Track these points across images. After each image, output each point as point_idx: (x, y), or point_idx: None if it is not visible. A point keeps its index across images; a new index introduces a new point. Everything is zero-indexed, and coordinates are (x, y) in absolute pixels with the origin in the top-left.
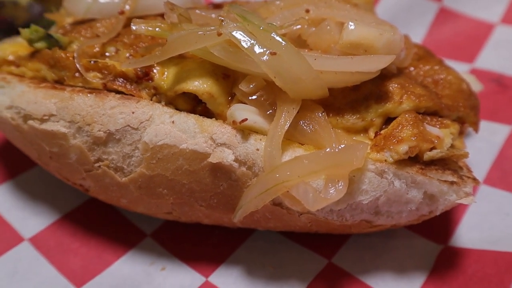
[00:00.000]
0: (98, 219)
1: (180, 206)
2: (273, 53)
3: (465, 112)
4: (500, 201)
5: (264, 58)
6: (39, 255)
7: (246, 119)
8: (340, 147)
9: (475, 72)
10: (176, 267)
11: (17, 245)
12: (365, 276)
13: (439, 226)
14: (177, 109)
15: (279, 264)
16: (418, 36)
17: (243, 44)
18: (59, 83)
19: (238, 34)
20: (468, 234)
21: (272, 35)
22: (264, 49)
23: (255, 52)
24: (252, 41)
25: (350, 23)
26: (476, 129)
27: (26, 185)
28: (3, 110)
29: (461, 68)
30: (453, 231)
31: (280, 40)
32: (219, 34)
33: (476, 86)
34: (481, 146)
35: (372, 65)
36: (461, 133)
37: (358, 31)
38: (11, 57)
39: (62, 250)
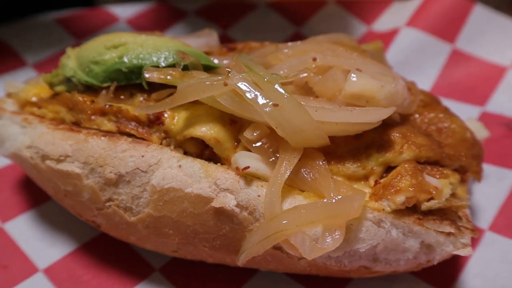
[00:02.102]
0: (110, 253)
1: (185, 245)
2: (275, 105)
3: (467, 161)
4: (505, 249)
5: (267, 109)
6: (51, 286)
7: (249, 167)
8: (337, 198)
9: (485, 115)
10: None
11: (31, 275)
12: None
13: (443, 272)
14: (186, 152)
15: None
16: (430, 77)
17: (247, 95)
18: (77, 124)
19: (242, 85)
20: (471, 282)
21: (275, 86)
22: (267, 101)
23: (258, 103)
24: (256, 92)
25: (353, 74)
26: (478, 179)
27: (45, 216)
28: (24, 150)
29: (472, 111)
30: (457, 278)
31: (283, 92)
32: (225, 85)
33: (483, 132)
34: (489, 192)
35: (371, 117)
36: (464, 181)
37: (360, 83)
38: (34, 99)
39: (74, 282)
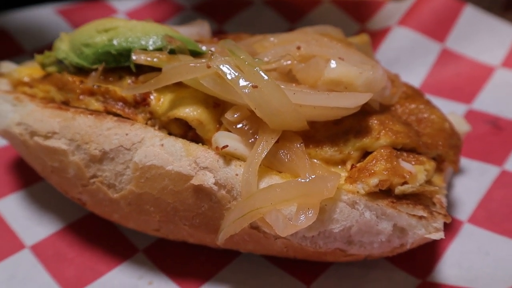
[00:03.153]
0: (95, 232)
1: (166, 223)
2: (254, 86)
3: (443, 150)
4: (482, 240)
5: (246, 90)
6: (37, 262)
7: (227, 146)
8: (311, 178)
9: (471, 113)
10: (163, 283)
11: (18, 251)
12: None
13: (420, 260)
14: (170, 133)
15: (259, 287)
16: (419, 75)
17: (228, 76)
18: (65, 104)
19: (224, 68)
20: (447, 271)
21: (255, 69)
22: (247, 83)
23: (238, 84)
24: (237, 74)
25: (333, 61)
26: (455, 168)
27: (35, 196)
28: (13, 126)
29: (458, 108)
30: (433, 267)
31: (263, 74)
32: (208, 67)
33: (464, 126)
34: (470, 185)
35: (348, 102)
36: (441, 171)
37: (339, 69)
38: (26, 79)
39: (58, 259)
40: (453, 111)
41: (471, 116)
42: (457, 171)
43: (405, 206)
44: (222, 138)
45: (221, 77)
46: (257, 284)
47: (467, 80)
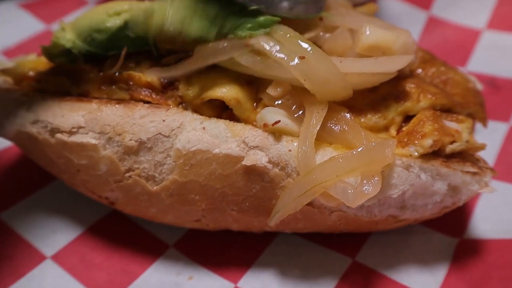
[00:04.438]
0: (119, 233)
1: (211, 212)
2: (301, 57)
3: (474, 108)
4: (507, 193)
5: (294, 62)
6: (64, 272)
7: (279, 121)
8: (372, 145)
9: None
10: (204, 276)
11: (40, 263)
12: (389, 272)
13: (452, 220)
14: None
15: (305, 266)
16: None
17: (272, 51)
18: (84, 96)
19: (265, 43)
20: (481, 226)
21: (298, 40)
22: (293, 54)
23: (284, 58)
24: (280, 48)
25: (368, 27)
26: (485, 124)
27: (42, 202)
28: (28, 126)
29: None
30: (467, 224)
31: (307, 45)
32: (246, 45)
33: (477, 85)
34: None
35: (393, 66)
36: (472, 128)
37: (376, 34)
38: (31, 73)
39: (86, 266)
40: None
41: None
42: (486, 126)
43: (456, 164)
44: (271, 114)
45: (260, 54)
46: (303, 264)
47: (456, 45)
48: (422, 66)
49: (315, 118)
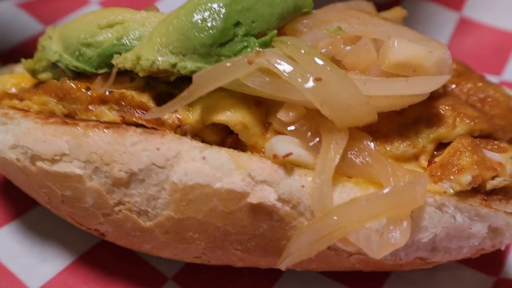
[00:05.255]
0: (112, 263)
1: (212, 250)
2: (318, 79)
3: None
4: None
5: (309, 85)
6: None
7: (291, 153)
8: (400, 185)
9: (504, 85)
10: None
11: None
12: None
13: (487, 255)
14: (204, 141)
15: None
16: None
17: (283, 70)
18: (70, 117)
19: (275, 60)
20: None
21: (315, 58)
22: (308, 75)
23: (297, 79)
24: (293, 67)
25: (396, 40)
26: None
27: (30, 227)
28: (7, 151)
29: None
30: (505, 261)
31: (324, 63)
32: (250, 63)
33: None
34: None
35: (426, 87)
36: None
37: (406, 50)
38: (13, 90)
39: None
40: None
41: None
42: None
43: (498, 202)
44: (281, 143)
45: (269, 73)
46: None
47: (490, 50)
48: (456, 81)
49: (333, 150)
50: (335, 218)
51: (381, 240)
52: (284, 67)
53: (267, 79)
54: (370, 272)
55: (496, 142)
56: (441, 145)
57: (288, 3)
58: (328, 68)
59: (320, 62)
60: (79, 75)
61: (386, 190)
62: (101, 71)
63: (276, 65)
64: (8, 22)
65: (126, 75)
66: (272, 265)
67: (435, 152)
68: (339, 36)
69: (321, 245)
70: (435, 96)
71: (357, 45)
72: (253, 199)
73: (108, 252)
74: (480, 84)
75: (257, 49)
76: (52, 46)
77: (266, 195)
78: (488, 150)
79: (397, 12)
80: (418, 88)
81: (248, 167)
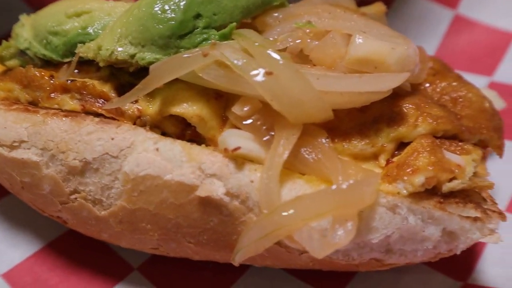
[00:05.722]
0: (80, 251)
1: (166, 242)
2: (269, 73)
3: (488, 135)
4: None
5: (259, 79)
6: None
7: (240, 147)
8: (348, 184)
9: (494, 86)
10: None
11: None
12: None
13: (458, 260)
14: (164, 133)
15: None
16: (431, 47)
17: (235, 63)
18: (34, 104)
19: (229, 53)
20: (490, 270)
21: (268, 52)
22: (260, 69)
23: (248, 72)
24: (245, 60)
25: (358, 36)
26: (500, 154)
27: (3, 213)
28: None
29: (479, 82)
30: (474, 266)
31: (278, 57)
32: (205, 55)
33: (498, 103)
34: (504, 169)
35: (383, 85)
36: (483, 158)
37: (367, 46)
38: None
39: (38, 287)
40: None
41: (494, 89)
42: (502, 156)
43: (455, 206)
44: (232, 137)
45: (224, 66)
46: None
47: (484, 49)
48: (431, 80)
49: (282, 146)
50: (280, 215)
51: (322, 239)
52: (237, 60)
53: (222, 72)
54: (335, 272)
55: (460, 144)
56: (403, 145)
57: None
58: (281, 62)
59: (273, 56)
60: (47, 63)
61: (333, 188)
62: (66, 59)
63: (229, 57)
64: (3, 9)
65: (92, 65)
66: (228, 259)
67: (396, 152)
68: (307, 30)
69: (266, 242)
70: (401, 95)
71: (323, 40)
72: (201, 192)
73: (77, 241)
74: (454, 83)
75: (213, 41)
76: (24, 33)
77: (215, 189)
78: (450, 151)
79: (377, 7)
80: (373, 85)
81: (199, 160)
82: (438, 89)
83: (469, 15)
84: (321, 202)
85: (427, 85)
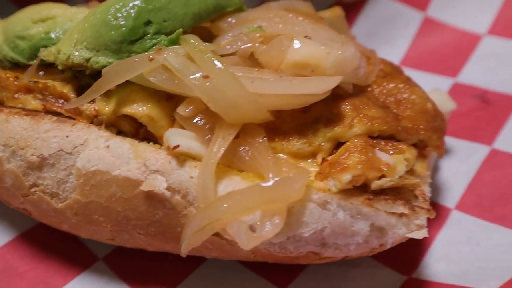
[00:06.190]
0: (50, 242)
1: (119, 233)
2: (205, 76)
3: (426, 135)
4: (472, 229)
5: (196, 82)
6: None
7: (179, 146)
8: (275, 180)
9: (457, 87)
10: None
11: None
12: None
13: (405, 254)
14: (120, 131)
15: None
16: (401, 48)
17: (176, 67)
18: (0, 104)
19: (171, 58)
20: (435, 265)
21: (206, 56)
22: (198, 73)
23: (187, 76)
24: (185, 64)
25: (296, 41)
26: (440, 154)
27: None
28: None
29: (443, 82)
30: (420, 261)
31: (216, 62)
32: (150, 60)
33: (449, 104)
34: (458, 168)
35: (315, 87)
36: (424, 157)
37: (303, 50)
38: None
39: (8, 275)
40: (437, 87)
41: (457, 90)
42: (442, 156)
43: (383, 202)
44: (174, 136)
45: (169, 70)
46: None
47: (452, 51)
48: (380, 82)
49: (218, 145)
50: (214, 209)
51: (249, 232)
52: (178, 64)
53: (167, 75)
54: (287, 265)
55: (395, 143)
56: (341, 144)
57: (207, 3)
58: (217, 67)
59: (211, 60)
60: (16, 65)
61: (263, 184)
62: (31, 62)
63: (171, 62)
64: None
65: (57, 67)
66: (178, 251)
67: (335, 151)
68: (257, 35)
69: (204, 235)
70: (343, 96)
71: (270, 44)
72: (145, 187)
73: (48, 232)
74: (401, 85)
75: (158, 47)
76: None
77: (157, 184)
78: (384, 150)
79: (334, 12)
80: (305, 88)
81: (144, 156)
82: (385, 91)
83: (438, 17)
84: (250, 197)
85: (375, 87)
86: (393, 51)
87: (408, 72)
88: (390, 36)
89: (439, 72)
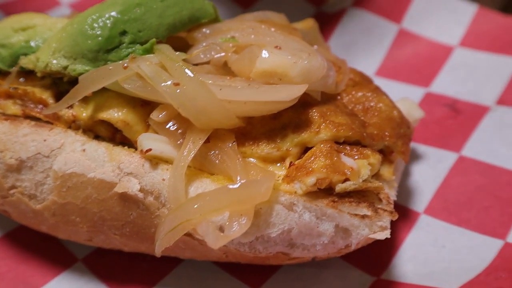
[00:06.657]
0: (31, 243)
1: (95, 234)
2: (176, 84)
3: (391, 141)
4: (438, 232)
5: (167, 89)
6: None
7: (151, 149)
8: (242, 182)
9: (429, 96)
10: None
11: None
12: None
13: (375, 256)
14: (97, 136)
15: None
16: (376, 58)
17: (148, 75)
18: None
19: (144, 66)
20: (403, 266)
21: (177, 65)
22: (169, 80)
23: (159, 83)
24: (157, 72)
25: (264, 51)
26: (405, 159)
27: None
28: None
29: (416, 92)
30: (389, 263)
31: (186, 70)
32: (125, 68)
33: (418, 112)
34: (427, 173)
35: (281, 95)
36: (391, 162)
37: (271, 59)
38: None
39: None
40: (410, 96)
41: (429, 99)
42: (407, 162)
43: (348, 205)
44: (147, 140)
45: (142, 78)
46: None
47: (425, 61)
48: (349, 90)
49: (188, 149)
50: (184, 210)
51: (217, 231)
52: (150, 72)
53: (140, 82)
54: (260, 266)
55: (360, 149)
56: (308, 150)
57: (182, 15)
58: (187, 75)
59: (182, 69)
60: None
61: (230, 186)
62: (12, 69)
63: (144, 70)
64: None
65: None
66: (152, 251)
67: (302, 156)
68: (230, 45)
69: (175, 234)
70: (312, 104)
71: (242, 53)
72: (119, 188)
73: (28, 234)
74: (369, 94)
75: (132, 55)
76: None
77: (130, 186)
78: (349, 155)
79: (307, 23)
80: (272, 95)
81: (119, 159)
82: (353, 99)
83: (412, 29)
84: (218, 199)
85: (344, 95)
86: (370, 62)
87: (383, 81)
88: (366, 47)
89: (413, 82)
